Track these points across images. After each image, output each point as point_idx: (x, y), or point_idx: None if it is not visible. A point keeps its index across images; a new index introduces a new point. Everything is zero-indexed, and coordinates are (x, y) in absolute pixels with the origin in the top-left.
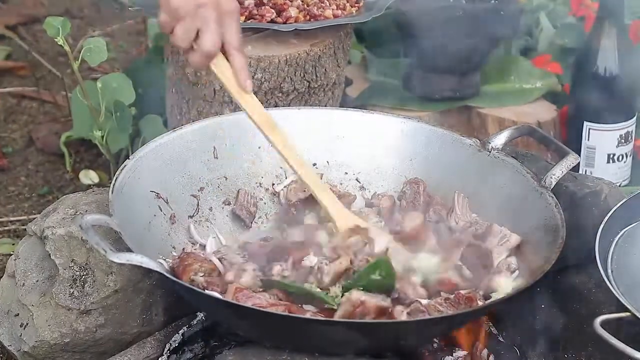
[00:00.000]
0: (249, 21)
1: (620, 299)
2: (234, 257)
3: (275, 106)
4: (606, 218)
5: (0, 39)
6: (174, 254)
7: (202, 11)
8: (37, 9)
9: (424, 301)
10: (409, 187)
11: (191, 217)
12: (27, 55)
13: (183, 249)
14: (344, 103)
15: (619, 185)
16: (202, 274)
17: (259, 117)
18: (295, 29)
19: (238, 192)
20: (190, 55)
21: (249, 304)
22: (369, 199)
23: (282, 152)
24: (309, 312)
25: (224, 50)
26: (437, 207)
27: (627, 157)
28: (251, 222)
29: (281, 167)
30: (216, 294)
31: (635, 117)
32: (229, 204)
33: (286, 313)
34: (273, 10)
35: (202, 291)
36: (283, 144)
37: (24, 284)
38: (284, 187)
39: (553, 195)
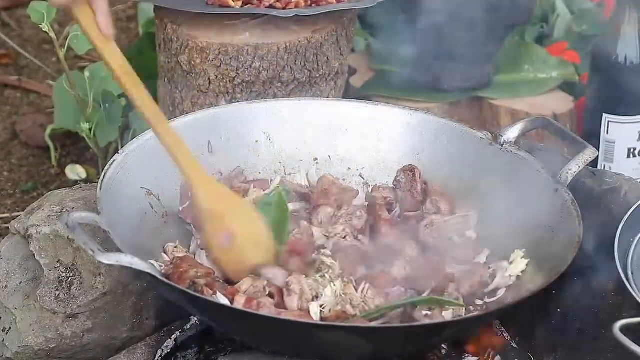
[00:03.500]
0: (247, 6)
1: None
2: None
3: (274, 97)
4: (626, 216)
5: None
6: (165, 256)
7: None
8: None
9: None
10: (403, 175)
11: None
12: (13, 40)
13: (173, 254)
14: (347, 94)
15: None
16: (199, 279)
17: (119, 69)
18: (296, 14)
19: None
20: None
21: (264, 313)
22: (370, 193)
23: (142, 109)
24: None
25: None
26: (435, 199)
27: None
28: None
29: (280, 162)
30: (224, 300)
31: None
32: None
33: (305, 320)
34: None
35: (206, 297)
36: (142, 99)
37: (6, 286)
38: None
39: (569, 192)
